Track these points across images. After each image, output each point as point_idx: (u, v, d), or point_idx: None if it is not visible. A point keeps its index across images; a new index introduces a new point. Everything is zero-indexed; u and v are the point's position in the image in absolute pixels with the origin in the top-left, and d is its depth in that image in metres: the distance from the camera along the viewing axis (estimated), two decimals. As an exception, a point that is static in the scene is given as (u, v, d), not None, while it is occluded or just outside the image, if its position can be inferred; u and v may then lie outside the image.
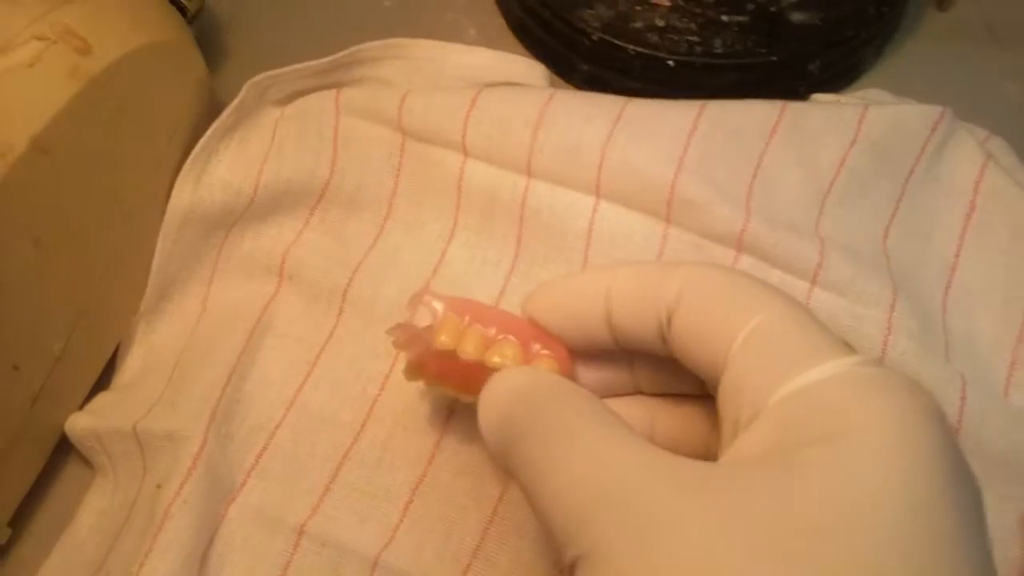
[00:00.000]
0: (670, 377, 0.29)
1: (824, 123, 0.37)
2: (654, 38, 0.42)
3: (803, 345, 0.23)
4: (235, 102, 0.39)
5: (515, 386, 0.26)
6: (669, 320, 0.25)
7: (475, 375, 0.29)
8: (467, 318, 0.30)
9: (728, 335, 0.24)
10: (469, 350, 0.29)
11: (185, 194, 0.37)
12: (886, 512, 0.19)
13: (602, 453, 0.22)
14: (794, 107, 0.37)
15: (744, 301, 0.24)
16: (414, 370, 0.32)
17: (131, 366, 0.38)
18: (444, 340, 0.29)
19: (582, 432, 0.23)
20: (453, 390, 0.32)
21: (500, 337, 0.29)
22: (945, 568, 0.19)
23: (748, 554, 0.19)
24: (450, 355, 0.29)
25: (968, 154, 0.37)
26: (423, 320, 0.30)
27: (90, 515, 0.35)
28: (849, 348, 0.23)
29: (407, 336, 0.31)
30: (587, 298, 0.27)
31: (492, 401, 0.26)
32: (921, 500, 0.19)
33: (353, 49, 0.41)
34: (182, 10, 0.41)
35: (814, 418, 0.21)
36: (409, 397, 0.35)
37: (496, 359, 0.28)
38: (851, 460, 0.20)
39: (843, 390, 0.21)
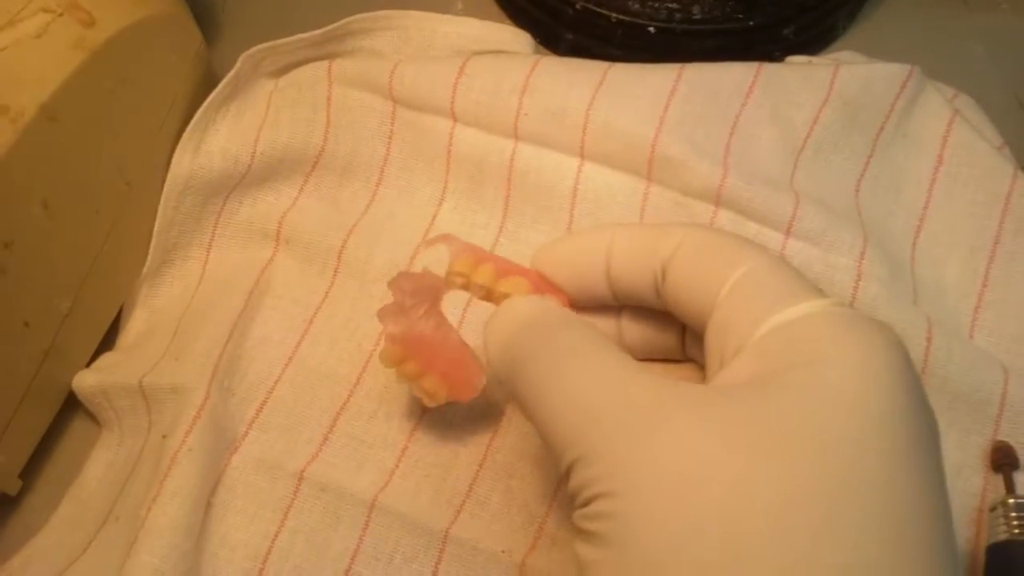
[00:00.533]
0: (653, 333, 0.32)
1: (798, 83, 0.39)
2: (635, 6, 0.43)
3: (783, 289, 0.25)
4: (231, 73, 0.40)
5: (525, 312, 0.28)
6: (664, 273, 0.28)
7: (457, 362, 0.31)
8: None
9: (717, 282, 0.26)
10: (481, 281, 0.30)
11: (185, 162, 0.39)
12: (854, 421, 0.21)
13: (605, 371, 0.24)
14: (769, 68, 0.39)
15: (732, 254, 0.27)
16: (390, 355, 0.32)
17: (134, 327, 0.39)
18: (458, 269, 0.31)
19: (587, 354, 0.25)
20: (425, 384, 0.32)
21: (511, 277, 0.31)
22: (902, 463, 0.21)
23: (730, 449, 0.21)
24: (438, 326, 0.31)
25: (936, 111, 0.39)
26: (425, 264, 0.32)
27: (98, 467, 0.36)
28: (822, 292, 0.26)
29: (394, 309, 0.32)
30: (590, 252, 0.30)
31: (501, 325, 0.28)
32: (884, 412, 0.22)
33: (345, 21, 0.42)
34: (178, -15, 0.42)
35: (792, 348, 0.23)
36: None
37: (505, 289, 0.30)
38: (824, 380, 0.22)
39: (817, 326, 0.24)
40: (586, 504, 0.23)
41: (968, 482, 0.33)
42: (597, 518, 0.22)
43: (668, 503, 0.21)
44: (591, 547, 0.22)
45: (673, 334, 0.31)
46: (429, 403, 0.32)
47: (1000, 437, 0.34)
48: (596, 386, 0.24)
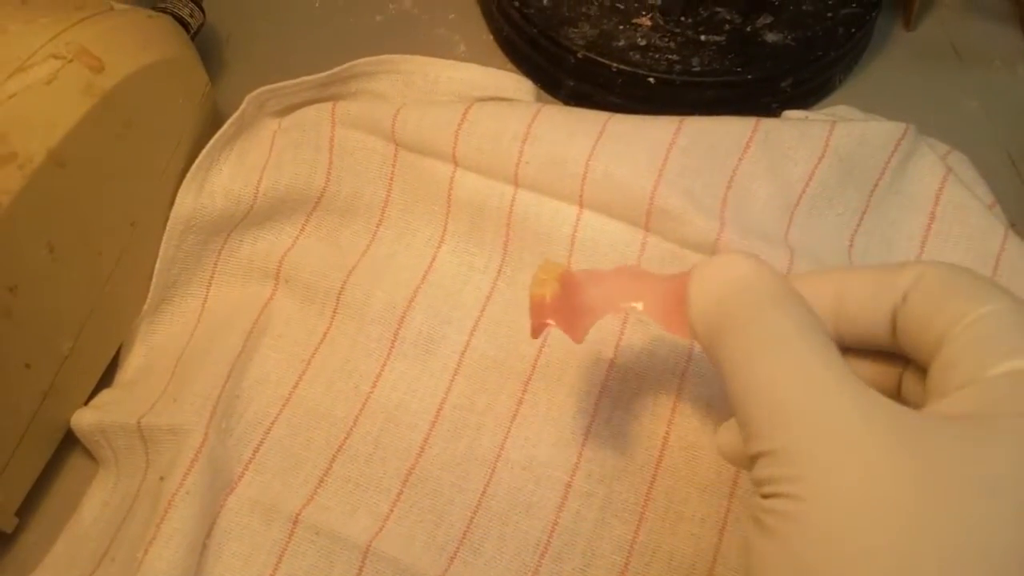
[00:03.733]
0: (871, 373, 0.30)
1: (794, 139, 0.39)
2: (636, 56, 0.44)
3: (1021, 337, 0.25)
4: (236, 114, 0.40)
5: (736, 276, 0.26)
6: (903, 303, 0.27)
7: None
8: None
9: (958, 314, 0.25)
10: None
11: (188, 201, 0.39)
12: None
13: (813, 367, 0.24)
14: (766, 123, 0.40)
15: (978, 291, 0.25)
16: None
17: (133, 364, 0.39)
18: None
19: (797, 343, 0.24)
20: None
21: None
22: None
23: (923, 485, 0.21)
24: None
25: (929, 168, 0.40)
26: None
27: (94, 506, 0.36)
28: None
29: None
30: (815, 298, 0.28)
31: (708, 287, 0.27)
32: None
33: (349, 64, 0.43)
34: (185, 26, 0.43)
35: (1018, 396, 0.23)
36: (400, 394, 0.37)
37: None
38: None
39: None
40: (767, 497, 0.23)
41: None
42: (775, 514, 0.22)
43: (849, 522, 0.21)
44: (764, 538, 0.22)
45: (893, 376, 0.29)
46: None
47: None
48: (801, 383, 0.23)
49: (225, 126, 0.40)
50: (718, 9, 0.46)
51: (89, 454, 0.38)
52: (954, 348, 0.25)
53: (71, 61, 0.32)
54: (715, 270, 0.27)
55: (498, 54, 0.50)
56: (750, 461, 0.24)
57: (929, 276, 0.26)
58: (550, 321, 0.30)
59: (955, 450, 0.21)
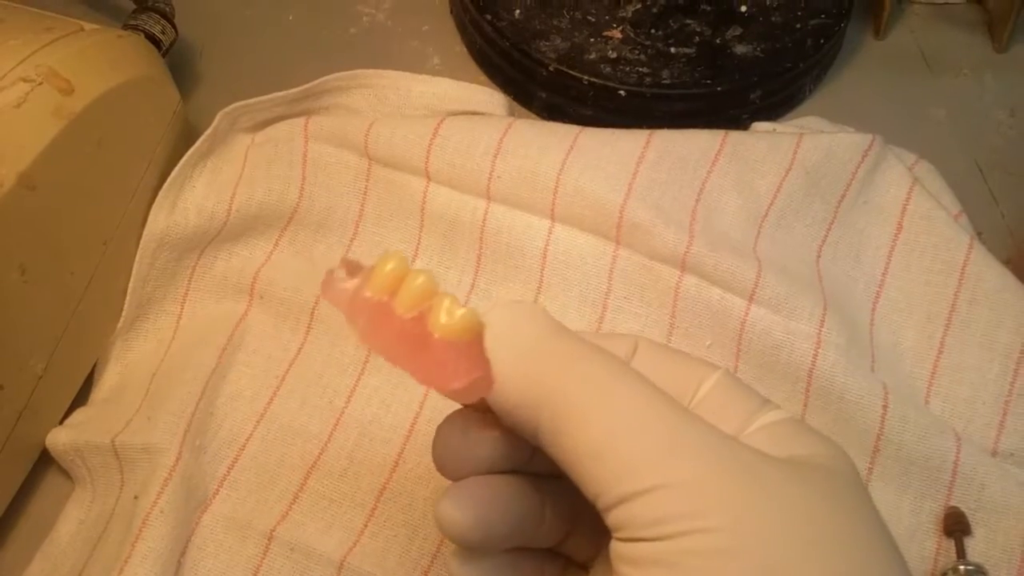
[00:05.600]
0: None
1: (762, 152, 0.40)
2: (607, 69, 0.45)
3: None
4: (208, 131, 0.41)
5: (536, 319, 0.24)
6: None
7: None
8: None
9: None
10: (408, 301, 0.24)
11: (161, 219, 0.39)
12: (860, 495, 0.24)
13: (666, 400, 0.23)
14: (734, 136, 0.40)
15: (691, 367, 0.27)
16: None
17: (108, 382, 0.39)
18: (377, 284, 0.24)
19: (638, 378, 0.23)
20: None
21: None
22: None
23: (808, 508, 0.22)
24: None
25: (896, 179, 0.40)
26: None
27: (70, 525, 0.36)
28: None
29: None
30: None
31: (516, 335, 0.24)
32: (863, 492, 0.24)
33: (321, 80, 0.43)
34: (157, 44, 0.43)
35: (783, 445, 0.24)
36: (374, 409, 0.38)
37: (443, 318, 0.23)
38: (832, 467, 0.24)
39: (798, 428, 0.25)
40: (659, 539, 0.21)
41: (922, 546, 0.34)
42: (688, 553, 0.21)
43: (772, 550, 0.21)
44: None
45: None
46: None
47: (953, 502, 0.35)
48: (676, 416, 0.22)
49: (198, 143, 0.40)
50: (688, 21, 0.46)
51: (65, 473, 0.38)
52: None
53: (40, 84, 0.32)
54: (510, 320, 0.24)
55: (471, 66, 0.50)
56: (607, 506, 0.22)
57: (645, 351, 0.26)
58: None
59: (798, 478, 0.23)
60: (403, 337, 0.23)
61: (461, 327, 0.23)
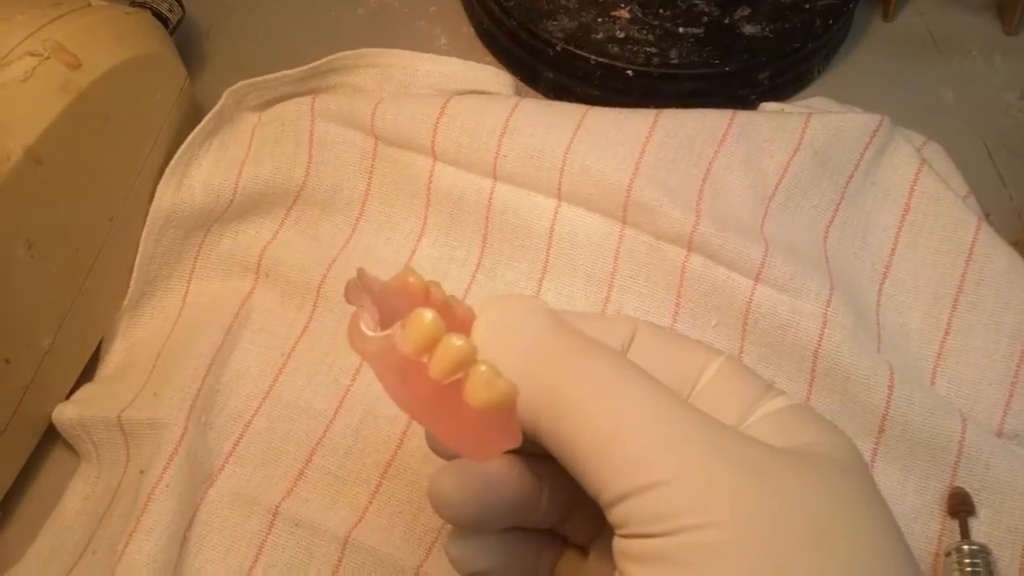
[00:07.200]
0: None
1: (770, 131, 0.39)
2: (614, 49, 0.44)
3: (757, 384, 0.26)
4: (215, 109, 0.41)
5: (542, 319, 0.24)
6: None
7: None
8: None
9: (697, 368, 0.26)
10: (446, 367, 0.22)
11: (167, 196, 0.39)
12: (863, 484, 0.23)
13: (668, 394, 0.23)
14: (742, 116, 0.40)
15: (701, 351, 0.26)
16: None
17: (114, 359, 0.40)
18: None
19: (640, 374, 0.23)
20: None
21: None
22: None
23: (812, 498, 0.22)
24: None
25: (904, 160, 0.40)
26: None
27: (75, 499, 0.36)
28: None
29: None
30: None
31: (512, 336, 0.24)
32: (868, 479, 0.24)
33: (328, 59, 0.43)
34: (164, 21, 0.43)
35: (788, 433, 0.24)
36: (379, 387, 0.37)
37: (483, 391, 0.22)
38: (833, 454, 0.23)
39: (804, 414, 0.25)
40: (660, 535, 0.21)
41: (926, 526, 0.34)
42: (691, 549, 0.21)
43: (776, 544, 0.21)
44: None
45: None
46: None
47: (957, 483, 0.34)
48: (679, 410, 0.22)
49: (204, 121, 0.40)
50: (696, 1, 0.46)
51: (70, 448, 0.38)
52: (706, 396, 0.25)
53: (48, 58, 0.32)
54: (508, 315, 0.25)
55: (478, 46, 0.50)
56: (609, 503, 0.22)
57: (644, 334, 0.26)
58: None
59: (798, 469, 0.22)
60: (436, 400, 0.22)
61: (500, 400, 0.22)
